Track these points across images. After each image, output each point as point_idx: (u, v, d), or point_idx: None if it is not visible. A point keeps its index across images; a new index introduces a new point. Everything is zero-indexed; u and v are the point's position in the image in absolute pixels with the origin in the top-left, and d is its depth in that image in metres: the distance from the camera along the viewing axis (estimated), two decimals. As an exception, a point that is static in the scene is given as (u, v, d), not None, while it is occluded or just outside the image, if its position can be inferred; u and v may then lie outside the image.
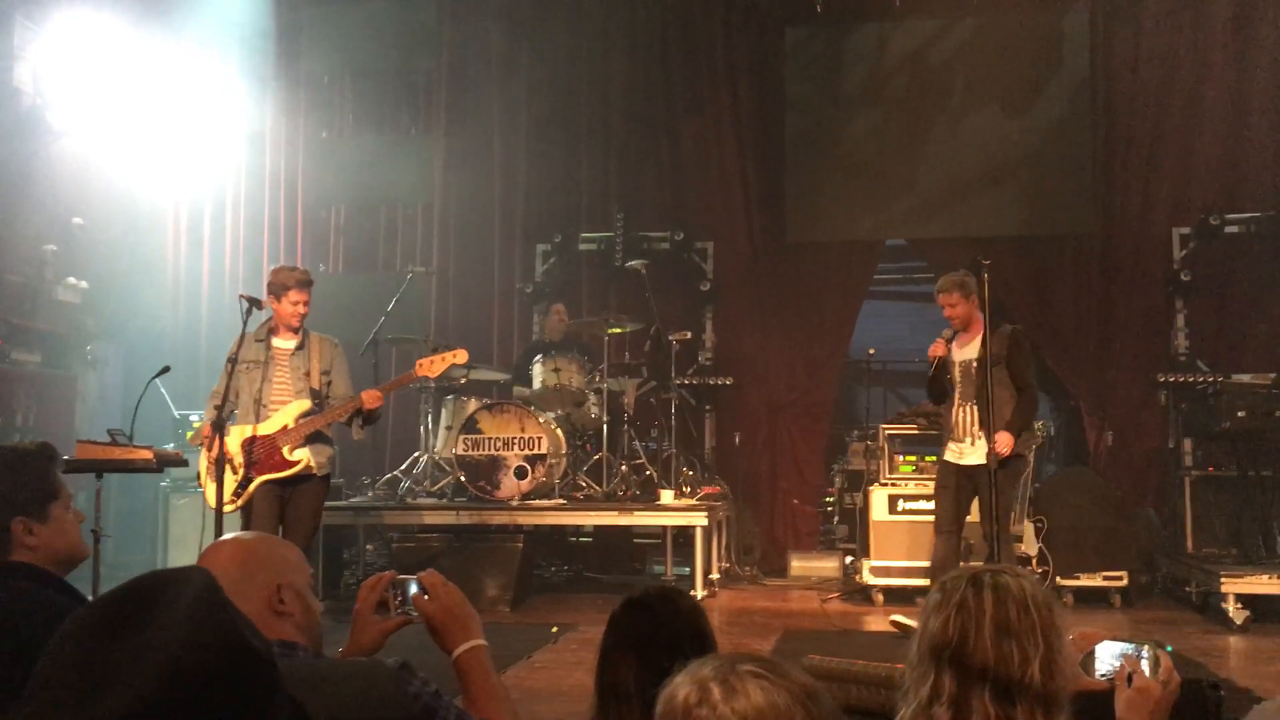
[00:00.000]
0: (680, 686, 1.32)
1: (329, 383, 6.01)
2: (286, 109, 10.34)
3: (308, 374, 5.93)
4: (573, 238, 9.73)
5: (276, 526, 5.74)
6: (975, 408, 6.00)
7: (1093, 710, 2.00)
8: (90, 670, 1.05)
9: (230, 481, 5.62)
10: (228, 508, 5.57)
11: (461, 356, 6.44)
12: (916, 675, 1.84)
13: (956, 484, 6.14)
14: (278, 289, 5.88)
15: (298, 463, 5.78)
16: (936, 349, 6.11)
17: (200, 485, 5.89)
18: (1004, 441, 5.75)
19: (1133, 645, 2.12)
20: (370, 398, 5.86)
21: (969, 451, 6.07)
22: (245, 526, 5.63)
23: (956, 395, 6.18)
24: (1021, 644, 1.78)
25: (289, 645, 1.77)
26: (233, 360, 5.71)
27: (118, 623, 1.09)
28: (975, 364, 6.00)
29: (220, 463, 5.53)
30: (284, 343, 5.94)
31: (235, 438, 5.72)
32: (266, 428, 5.76)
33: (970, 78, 9.30)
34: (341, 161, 10.28)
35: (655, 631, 2.20)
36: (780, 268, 9.54)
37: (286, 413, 5.82)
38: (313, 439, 5.87)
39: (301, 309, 5.92)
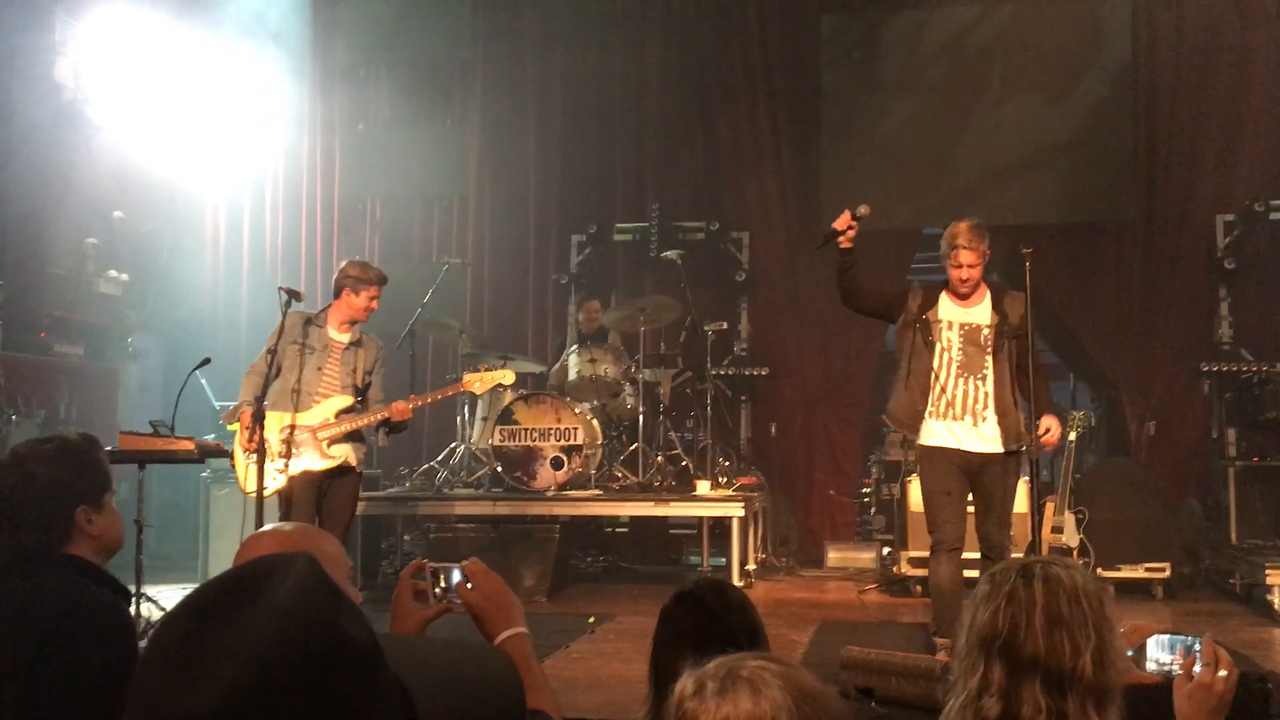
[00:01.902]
0: (687, 676, 1.36)
1: (369, 384, 5.96)
2: (322, 101, 10.40)
3: (355, 370, 5.87)
4: (608, 228, 9.73)
5: (314, 516, 5.70)
6: (983, 383, 5.08)
7: (1146, 704, 1.98)
8: (185, 660, 1.04)
9: (267, 468, 5.53)
10: (265, 492, 5.51)
11: (509, 377, 6.34)
12: (966, 666, 1.83)
13: (959, 485, 5.14)
14: (356, 282, 5.79)
15: (339, 458, 5.73)
16: (841, 219, 5.07)
17: (233, 466, 5.77)
18: (1055, 428, 5.06)
19: (1186, 638, 2.09)
20: (399, 410, 5.77)
21: (973, 435, 5.09)
22: (284, 516, 5.60)
23: (945, 363, 5.14)
24: (1073, 635, 1.76)
25: None
26: (272, 352, 5.63)
27: (217, 611, 1.08)
28: (989, 331, 5.10)
29: (262, 449, 5.48)
30: (341, 335, 5.86)
31: (274, 423, 5.60)
32: (308, 417, 5.69)
33: (1008, 64, 9.20)
34: (377, 153, 10.33)
35: (709, 625, 2.24)
36: (816, 257, 9.44)
37: (329, 406, 5.74)
38: (350, 435, 5.83)
39: (374, 306, 5.88)
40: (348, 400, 5.79)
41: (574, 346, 8.35)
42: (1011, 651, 1.77)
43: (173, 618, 1.10)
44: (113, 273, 9.05)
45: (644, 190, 9.78)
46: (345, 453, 5.76)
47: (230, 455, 5.99)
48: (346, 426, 5.74)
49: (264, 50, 9.83)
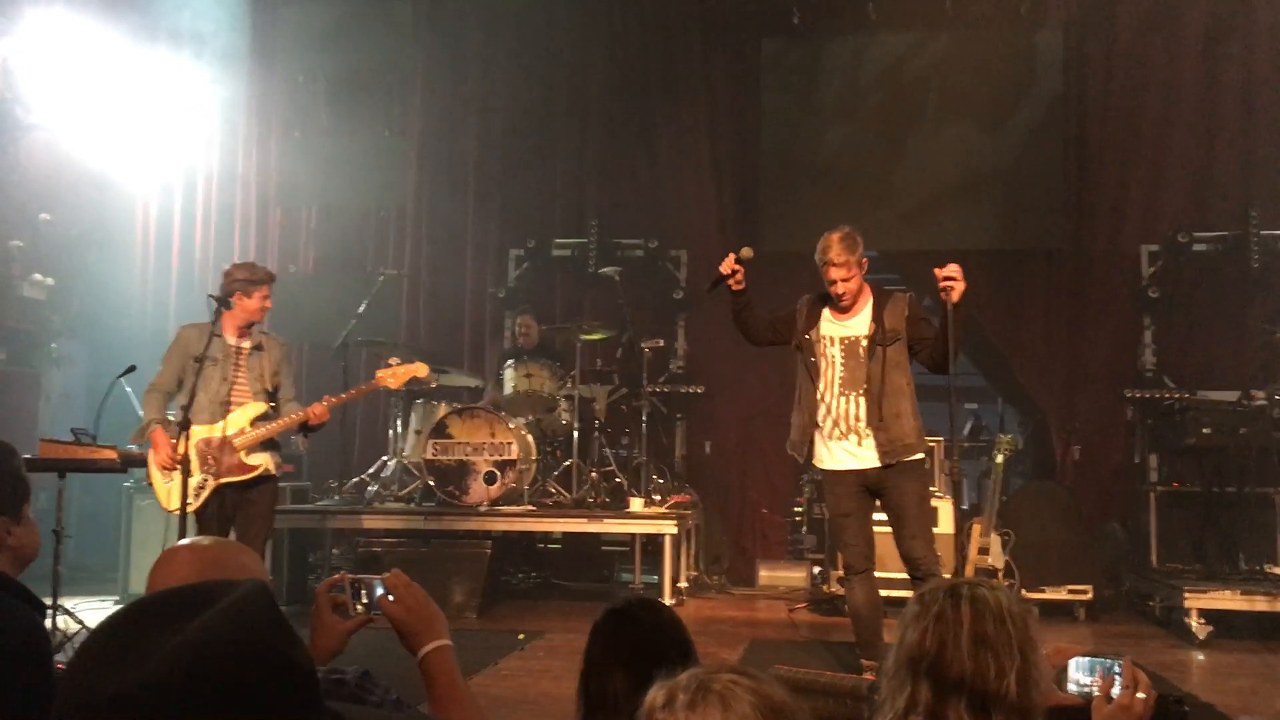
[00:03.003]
0: (658, 688, 1.38)
1: (277, 385, 5.84)
2: (260, 108, 10.28)
3: (263, 375, 5.75)
4: (546, 243, 9.71)
5: (228, 529, 5.58)
6: (864, 398, 4.94)
7: None
8: (117, 651, 1.05)
9: (188, 484, 5.34)
10: (188, 509, 5.34)
11: (421, 370, 6.16)
12: (893, 686, 1.84)
13: (859, 505, 5.06)
14: (247, 284, 5.68)
15: (258, 467, 5.62)
16: (725, 263, 4.99)
17: (150, 484, 5.63)
18: (958, 273, 4.66)
19: (1106, 660, 2.13)
20: (317, 414, 5.64)
21: (859, 452, 4.98)
22: (204, 530, 5.44)
23: (829, 381, 5.03)
24: (998, 656, 1.78)
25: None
26: (200, 360, 5.49)
27: (157, 615, 1.10)
28: (865, 342, 4.98)
29: (186, 462, 5.32)
30: (241, 342, 5.73)
31: (190, 437, 5.40)
32: (222, 428, 5.55)
33: (945, 92, 9.36)
34: (315, 162, 10.22)
35: (642, 642, 2.22)
36: (754, 278, 9.48)
37: (243, 414, 5.61)
38: (266, 442, 5.70)
39: (269, 305, 5.79)
40: (261, 406, 5.68)
41: (510, 361, 8.31)
42: (938, 671, 1.78)
43: (112, 619, 1.11)
44: (37, 276, 8.85)
45: (583, 206, 9.79)
46: (264, 460, 5.66)
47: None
48: (263, 433, 5.62)
49: (201, 55, 9.70)
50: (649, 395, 8.57)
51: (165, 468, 5.46)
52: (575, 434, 8.10)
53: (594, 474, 8.13)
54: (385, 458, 8.53)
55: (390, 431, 8.46)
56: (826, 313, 5.12)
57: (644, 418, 8.44)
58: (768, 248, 9.54)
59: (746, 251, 5.02)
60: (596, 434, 8.42)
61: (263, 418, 5.66)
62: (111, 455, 5.69)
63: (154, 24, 9.30)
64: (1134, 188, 8.95)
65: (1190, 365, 8.63)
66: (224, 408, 5.57)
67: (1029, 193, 9.20)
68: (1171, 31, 8.98)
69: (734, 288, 5.08)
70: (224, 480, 5.54)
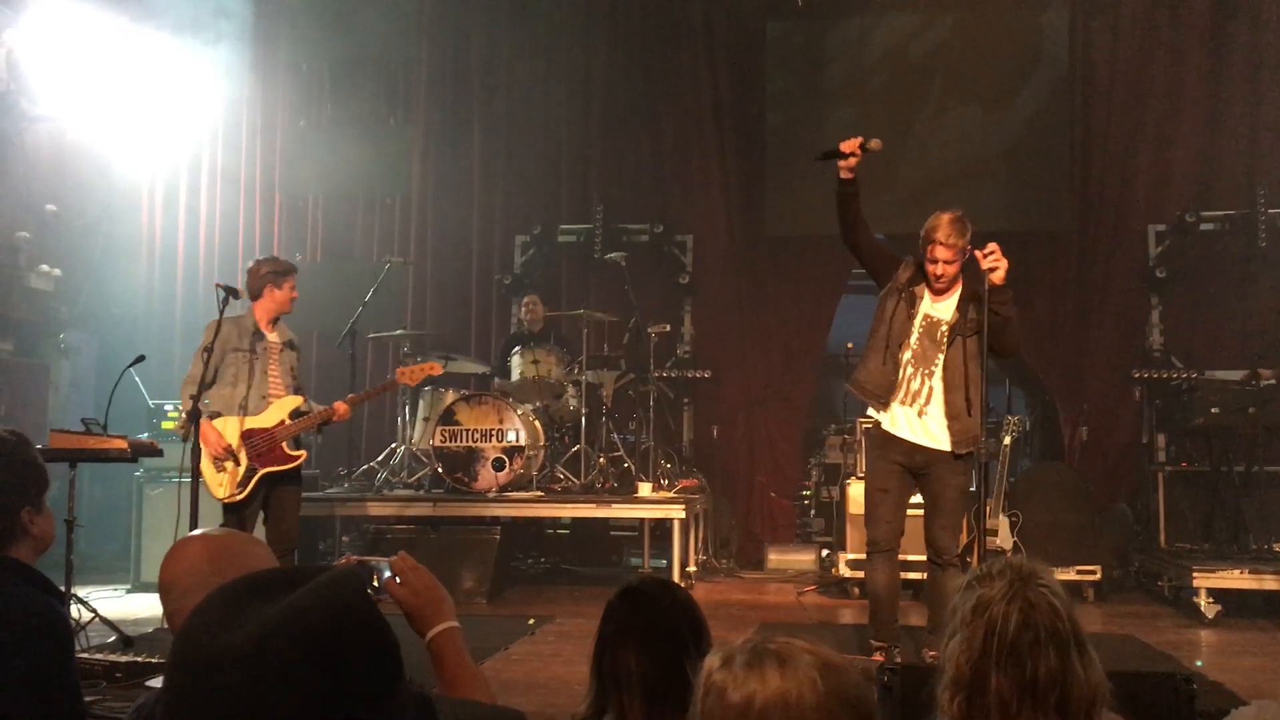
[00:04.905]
0: (716, 651, 1.40)
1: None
2: (264, 96, 10.26)
3: (292, 369, 6.00)
4: (552, 229, 9.71)
5: (265, 515, 5.84)
6: (939, 383, 4.92)
7: None
8: (226, 614, 1.14)
9: (235, 472, 5.69)
10: (237, 498, 5.67)
11: (436, 369, 6.54)
12: (947, 683, 1.82)
13: (899, 485, 5.00)
14: (277, 276, 5.89)
15: (300, 456, 5.87)
16: (850, 143, 4.82)
17: (201, 476, 5.79)
18: (998, 251, 4.67)
19: None
20: (343, 411, 5.93)
21: (918, 427, 4.95)
22: (246, 516, 5.70)
23: (904, 351, 4.97)
24: (1062, 652, 1.77)
25: None
26: (209, 350, 5.66)
27: (259, 589, 1.18)
28: (945, 328, 4.95)
29: (196, 451, 5.60)
30: (273, 336, 5.94)
31: (233, 429, 5.70)
32: (262, 420, 5.79)
33: (950, 73, 9.33)
34: (319, 150, 10.20)
35: (655, 621, 2.23)
36: (759, 261, 9.56)
37: (281, 407, 5.84)
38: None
39: (295, 295, 5.98)
40: (298, 400, 5.93)
41: (517, 347, 8.32)
42: (991, 667, 1.77)
43: (220, 590, 1.20)
44: (45, 267, 8.86)
45: (589, 192, 9.78)
46: (303, 452, 5.92)
47: (161, 453, 6.18)
48: (302, 424, 5.86)
49: (206, 43, 9.68)
50: (656, 380, 8.58)
51: (218, 458, 5.68)
52: (583, 419, 8.11)
53: (602, 459, 8.15)
54: (394, 445, 8.55)
55: (399, 419, 8.48)
56: (925, 285, 5.00)
57: (651, 403, 8.45)
58: (772, 231, 9.57)
59: (876, 143, 4.85)
60: (604, 419, 8.43)
61: (298, 411, 5.88)
62: (122, 445, 5.71)
63: (158, 13, 9.27)
64: (1140, 168, 8.91)
65: (1198, 345, 8.62)
66: (264, 401, 5.81)
67: (1035, 174, 9.18)
68: (1177, 11, 8.94)
69: (842, 172, 4.91)
70: (269, 470, 5.77)
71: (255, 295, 5.89)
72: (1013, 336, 4.89)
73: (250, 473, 5.69)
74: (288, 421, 5.81)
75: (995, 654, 1.78)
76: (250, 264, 6.11)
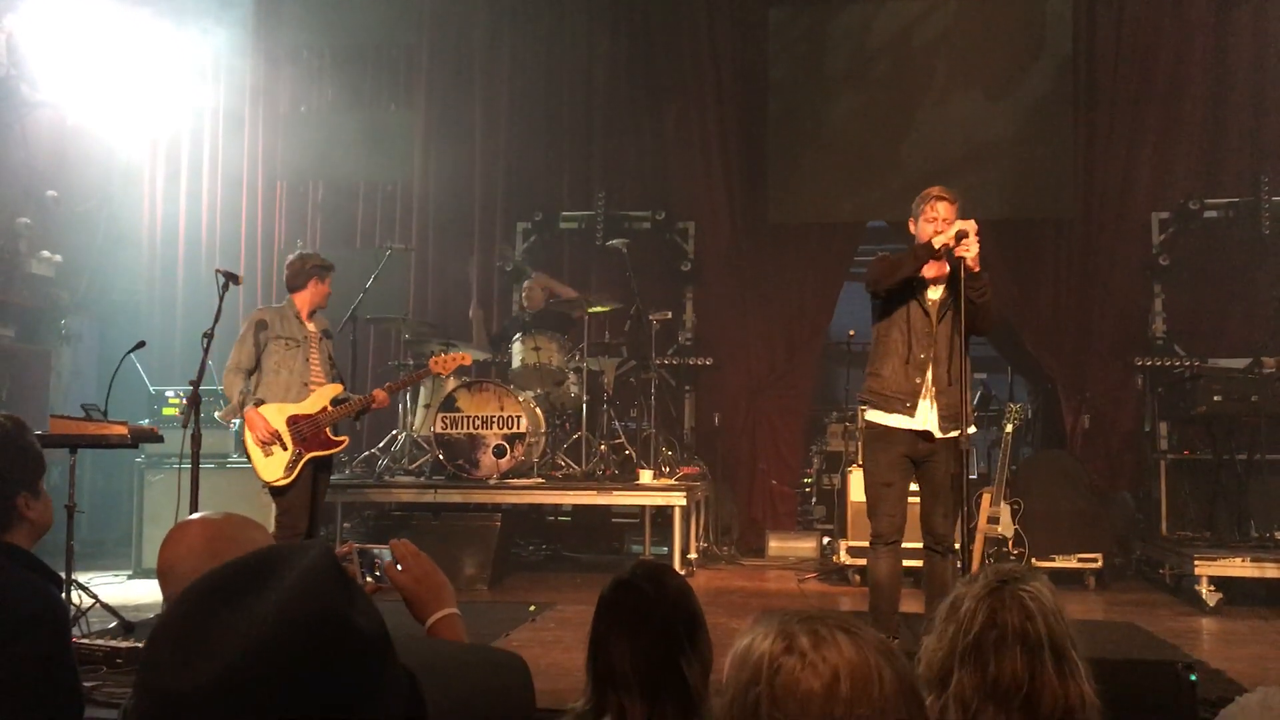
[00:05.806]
0: (759, 638, 1.29)
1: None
2: (266, 83, 10.22)
3: (330, 357, 6.24)
4: (554, 216, 9.69)
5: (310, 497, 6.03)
6: (934, 362, 4.88)
7: None
8: (190, 639, 1.07)
9: (283, 457, 5.87)
10: (283, 481, 5.86)
11: (467, 359, 6.89)
12: (933, 678, 1.82)
13: (902, 477, 4.97)
14: (323, 270, 6.14)
15: (343, 442, 6.12)
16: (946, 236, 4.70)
17: (249, 460, 5.99)
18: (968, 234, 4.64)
19: None
20: (381, 400, 6.16)
21: (924, 414, 4.92)
22: (294, 498, 5.88)
23: (913, 344, 4.91)
24: (1050, 654, 1.76)
25: None
26: (286, 340, 5.94)
27: (227, 593, 1.11)
28: (933, 301, 4.95)
29: (197, 438, 5.74)
30: (314, 326, 6.14)
31: (279, 414, 5.89)
32: (305, 407, 5.97)
33: (953, 60, 9.29)
34: (321, 136, 10.16)
35: (647, 614, 2.14)
36: (761, 249, 9.54)
37: (323, 394, 6.03)
38: None
39: (330, 293, 6.24)
40: (339, 388, 6.15)
41: (518, 334, 8.31)
42: (976, 666, 1.77)
43: (183, 598, 1.12)
44: (45, 253, 8.85)
45: (590, 179, 9.75)
46: (344, 437, 6.15)
47: (162, 439, 6.28)
48: (344, 411, 6.05)
49: (207, 29, 9.65)
50: (657, 367, 8.57)
51: (265, 443, 5.87)
52: (584, 407, 8.11)
53: (603, 446, 8.15)
54: (395, 431, 8.55)
55: (400, 405, 8.48)
56: (921, 279, 4.97)
57: (652, 390, 8.45)
58: (774, 219, 9.55)
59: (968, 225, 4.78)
60: (605, 406, 8.43)
61: (338, 399, 6.07)
62: (122, 431, 5.71)
63: (159, -1, 9.25)
64: (1144, 155, 8.88)
65: (1200, 332, 8.60)
66: (306, 388, 6.01)
67: (1038, 161, 9.14)
68: (1181, -4, 8.90)
69: (939, 245, 4.79)
70: (315, 454, 5.97)
71: (298, 287, 6.09)
72: (986, 317, 4.92)
73: (297, 457, 5.88)
74: (330, 408, 6.01)
75: (961, 651, 1.77)
76: (292, 257, 6.28)
